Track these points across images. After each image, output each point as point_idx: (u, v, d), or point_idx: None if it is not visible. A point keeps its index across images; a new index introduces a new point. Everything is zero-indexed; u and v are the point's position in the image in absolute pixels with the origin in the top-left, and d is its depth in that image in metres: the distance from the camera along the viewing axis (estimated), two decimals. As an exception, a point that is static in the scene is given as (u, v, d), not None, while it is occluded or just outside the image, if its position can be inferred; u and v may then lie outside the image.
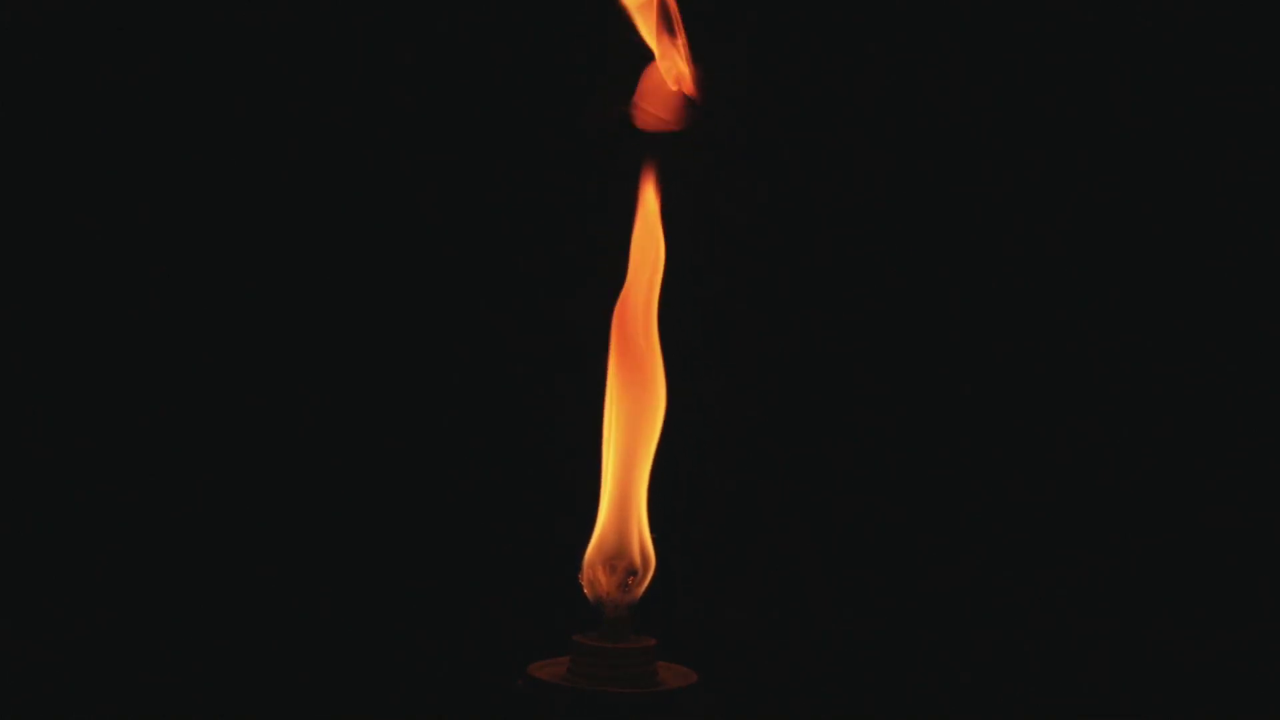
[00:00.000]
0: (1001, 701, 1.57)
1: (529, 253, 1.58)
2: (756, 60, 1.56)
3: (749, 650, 1.57)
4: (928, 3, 1.58)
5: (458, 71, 1.57)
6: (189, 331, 1.55)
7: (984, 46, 1.58)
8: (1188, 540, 1.58)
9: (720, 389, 1.57)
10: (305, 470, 1.57)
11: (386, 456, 1.58)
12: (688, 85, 1.19)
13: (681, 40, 1.20)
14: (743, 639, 1.57)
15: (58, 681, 1.49)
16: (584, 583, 1.14)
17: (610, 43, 1.22)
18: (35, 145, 1.51)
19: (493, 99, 1.57)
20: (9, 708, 1.47)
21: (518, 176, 1.58)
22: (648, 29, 1.20)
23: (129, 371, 1.54)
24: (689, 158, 1.22)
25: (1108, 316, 1.59)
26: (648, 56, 1.21)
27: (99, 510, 1.53)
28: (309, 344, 1.57)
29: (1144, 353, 1.59)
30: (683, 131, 1.21)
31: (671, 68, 1.19)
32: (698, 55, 1.20)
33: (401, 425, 1.58)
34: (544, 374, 1.57)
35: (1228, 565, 1.58)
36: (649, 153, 1.19)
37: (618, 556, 1.14)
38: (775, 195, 1.60)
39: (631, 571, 1.14)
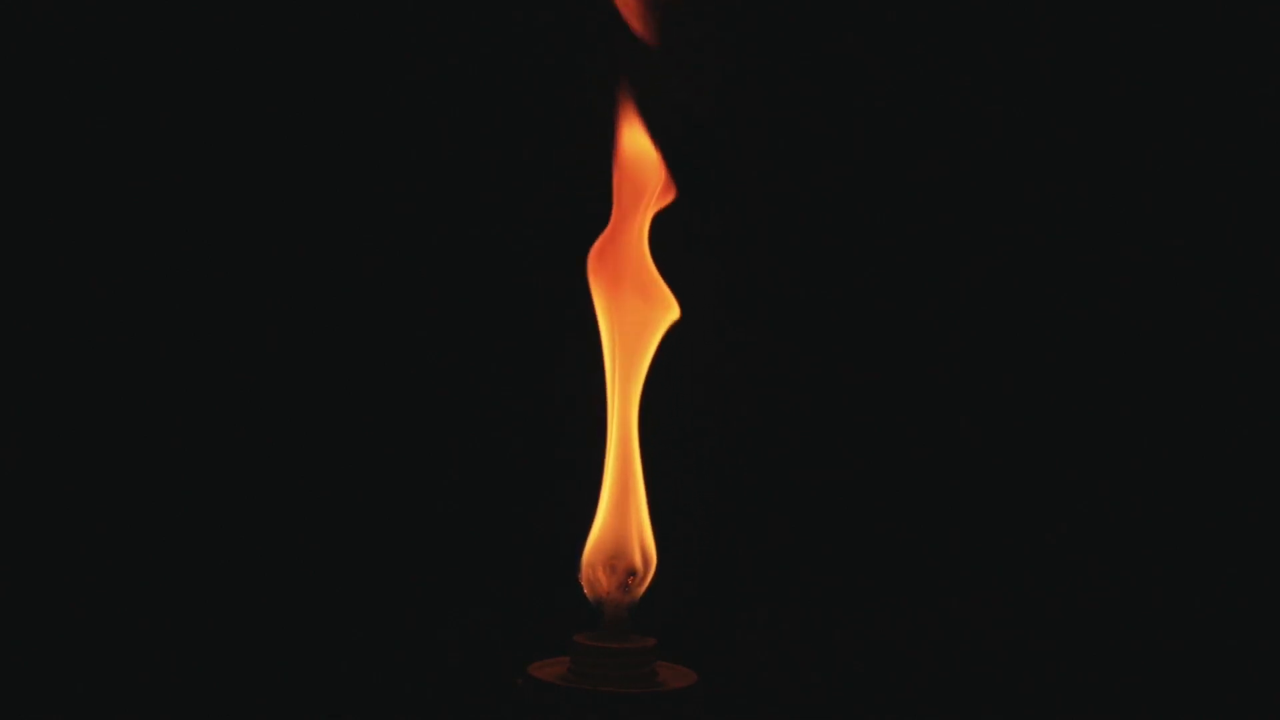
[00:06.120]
0: (1000, 701, 1.57)
1: (521, 250, 1.58)
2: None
3: (749, 650, 1.57)
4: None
5: (441, 60, 1.57)
6: (188, 332, 1.55)
7: (981, 45, 1.58)
8: (1187, 539, 1.59)
9: (719, 388, 1.57)
10: (304, 472, 1.57)
11: (386, 457, 1.58)
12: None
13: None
14: (743, 639, 1.57)
15: (57, 682, 1.49)
16: (584, 583, 1.14)
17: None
18: (30, 144, 1.52)
19: (476, 83, 1.57)
20: (9, 708, 1.47)
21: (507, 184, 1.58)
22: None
23: (125, 372, 1.54)
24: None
25: (1106, 317, 1.60)
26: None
27: (94, 510, 1.53)
28: (305, 345, 1.57)
29: (1144, 353, 1.59)
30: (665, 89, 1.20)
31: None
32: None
33: (401, 426, 1.58)
34: (544, 374, 1.57)
35: (1227, 565, 1.58)
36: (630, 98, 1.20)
37: (618, 556, 1.14)
38: (770, 196, 1.60)
39: (631, 572, 1.14)
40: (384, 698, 1.52)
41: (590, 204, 1.46)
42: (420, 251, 1.58)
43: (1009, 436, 1.60)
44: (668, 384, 1.19)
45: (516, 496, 1.58)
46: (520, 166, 1.57)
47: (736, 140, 1.56)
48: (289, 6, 1.54)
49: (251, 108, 1.55)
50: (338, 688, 1.53)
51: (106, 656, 1.50)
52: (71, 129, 1.52)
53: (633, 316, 1.16)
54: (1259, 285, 1.58)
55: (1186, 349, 1.59)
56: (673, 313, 1.17)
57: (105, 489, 1.53)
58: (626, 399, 1.15)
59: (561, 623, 1.14)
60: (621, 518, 1.15)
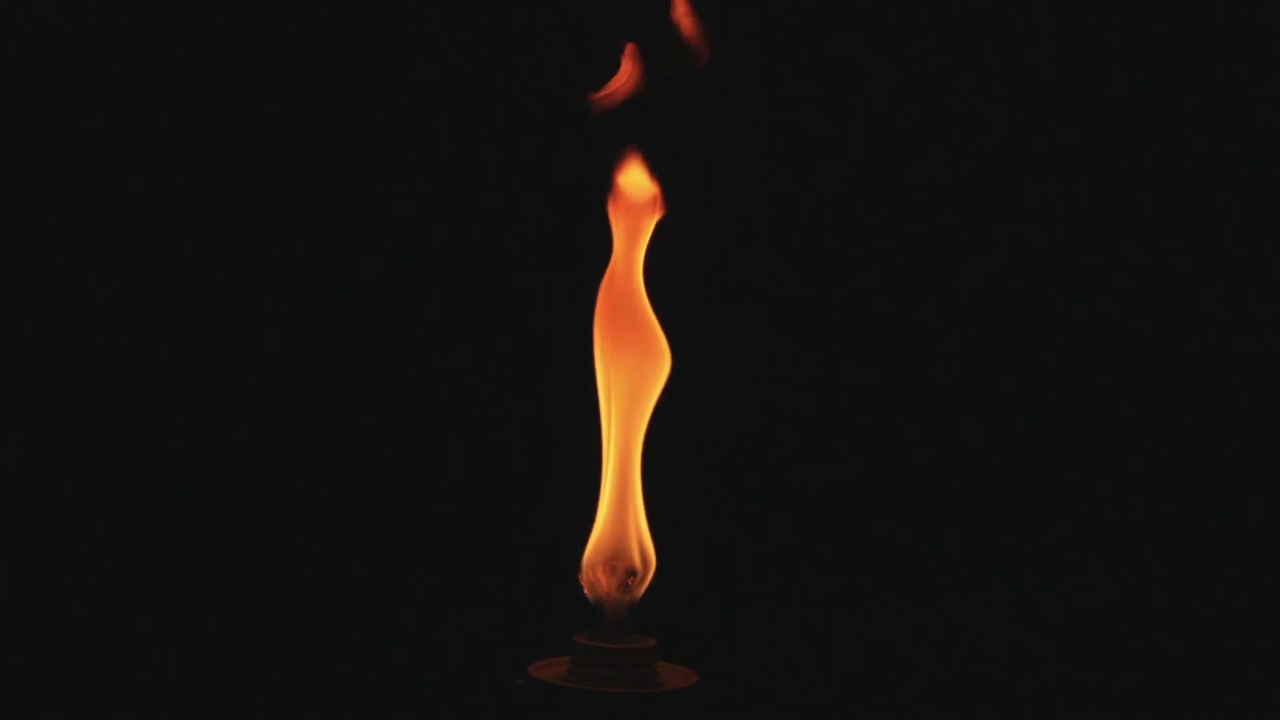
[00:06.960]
0: (1001, 701, 1.57)
1: (521, 250, 1.58)
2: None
3: (749, 650, 1.57)
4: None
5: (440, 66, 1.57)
6: (188, 332, 1.55)
7: (980, 46, 1.58)
8: (1188, 538, 1.59)
9: (719, 388, 1.57)
10: (305, 473, 1.57)
11: (386, 457, 1.58)
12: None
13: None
14: (743, 639, 1.57)
15: (58, 682, 1.49)
16: (584, 583, 1.14)
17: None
18: (30, 144, 1.52)
19: (478, 92, 1.57)
20: (9, 708, 1.47)
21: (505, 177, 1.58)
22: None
23: (125, 372, 1.54)
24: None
25: (1106, 317, 1.60)
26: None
27: (94, 510, 1.53)
28: (305, 345, 1.57)
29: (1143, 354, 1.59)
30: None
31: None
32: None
33: (401, 426, 1.58)
34: (544, 373, 1.57)
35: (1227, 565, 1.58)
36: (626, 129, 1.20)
37: (617, 557, 1.14)
38: (769, 190, 1.60)
39: (631, 572, 1.14)
40: (384, 698, 1.52)
41: (590, 205, 1.46)
42: (420, 251, 1.58)
43: (1009, 436, 1.60)
44: (668, 384, 1.19)
45: (516, 496, 1.58)
46: (520, 166, 1.57)
47: (737, 139, 1.56)
48: (289, 6, 1.54)
49: (251, 108, 1.54)
50: (338, 688, 1.53)
51: (106, 656, 1.50)
52: (71, 129, 1.52)
53: (631, 375, 1.16)
54: (1259, 285, 1.58)
55: (1186, 349, 1.58)
56: (666, 366, 1.17)
57: (105, 489, 1.53)
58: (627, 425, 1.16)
59: (561, 623, 1.14)
60: (621, 518, 1.15)
